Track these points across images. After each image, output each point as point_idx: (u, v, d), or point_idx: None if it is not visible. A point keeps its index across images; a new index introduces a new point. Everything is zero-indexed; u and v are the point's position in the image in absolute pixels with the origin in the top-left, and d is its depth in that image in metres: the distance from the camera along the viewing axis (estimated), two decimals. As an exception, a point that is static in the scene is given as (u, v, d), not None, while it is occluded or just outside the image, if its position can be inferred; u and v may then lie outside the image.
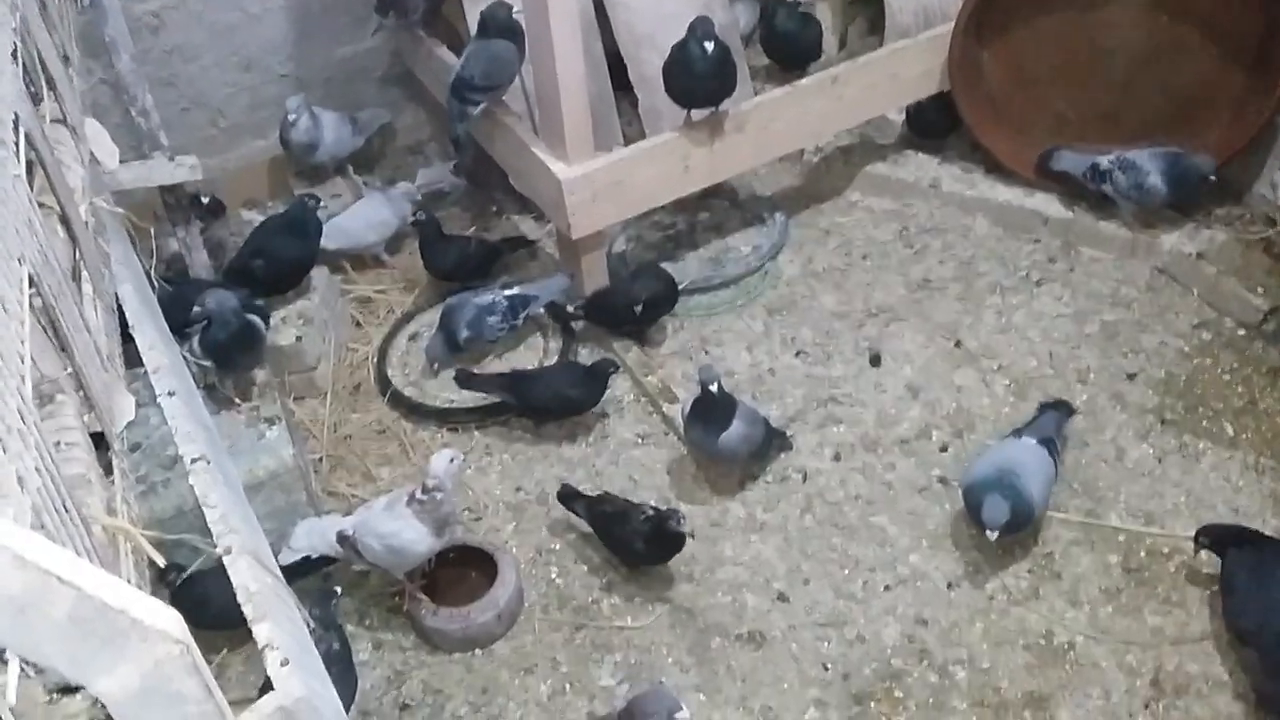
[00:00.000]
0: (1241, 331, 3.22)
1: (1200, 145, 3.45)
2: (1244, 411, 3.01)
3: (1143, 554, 2.72)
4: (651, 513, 2.70)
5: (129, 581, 1.39)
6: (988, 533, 2.56)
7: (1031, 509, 2.60)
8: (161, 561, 1.41)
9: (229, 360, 2.90)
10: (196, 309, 2.81)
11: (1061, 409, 2.88)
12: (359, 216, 3.70)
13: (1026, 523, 2.63)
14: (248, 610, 1.49)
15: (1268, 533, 2.68)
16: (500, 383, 3.21)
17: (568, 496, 2.90)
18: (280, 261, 3.30)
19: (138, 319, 2.15)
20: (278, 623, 1.48)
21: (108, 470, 1.56)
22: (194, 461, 1.77)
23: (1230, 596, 2.49)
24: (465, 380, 3.23)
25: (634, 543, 2.71)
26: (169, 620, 0.84)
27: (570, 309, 3.40)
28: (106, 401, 1.63)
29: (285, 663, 1.36)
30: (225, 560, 1.58)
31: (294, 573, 2.66)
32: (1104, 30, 3.55)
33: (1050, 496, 2.73)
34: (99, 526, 1.36)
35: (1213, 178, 3.28)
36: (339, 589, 2.58)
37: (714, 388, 2.79)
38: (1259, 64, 3.36)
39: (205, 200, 3.37)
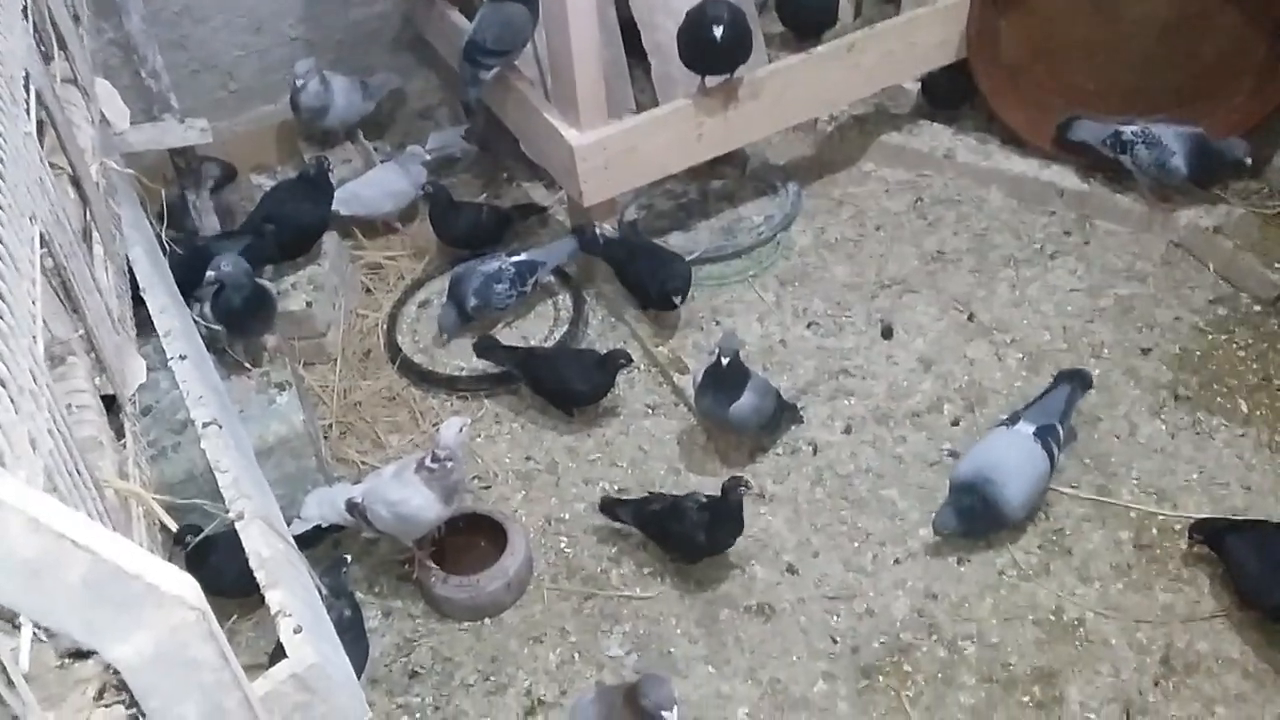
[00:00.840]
0: (1258, 308, 3.19)
1: (1221, 118, 3.41)
2: (1258, 389, 2.99)
3: (1154, 531, 2.71)
4: (705, 499, 2.65)
5: (141, 546, 1.38)
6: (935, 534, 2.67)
7: (1005, 515, 2.60)
8: (174, 526, 1.41)
9: (241, 326, 2.89)
10: (210, 273, 2.78)
11: (1077, 381, 2.84)
12: (375, 184, 3.68)
13: (999, 526, 2.65)
14: (260, 576, 1.48)
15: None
16: (515, 357, 3.19)
17: (609, 505, 2.80)
18: (293, 226, 3.27)
19: (149, 282, 2.14)
20: (291, 589, 1.47)
21: (119, 434, 1.55)
22: (206, 426, 1.76)
23: (1246, 580, 2.48)
24: (483, 349, 3.21)
25: (695, 536, 2.63)
26: (185, 586, 0.83)
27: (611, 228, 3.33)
28: (118, 364, 1.62)
29: (299, 629, 1.36)
30: (238, 526, 1.57)
31: (304, 541, 2.67)
32: (1124, 1, 3.50)
33: (1045, 489, 2.71)
34: (111, 490, 1.36)
35: (1248, 160, 3.22)
36: (349, 557, 2.57)
37: (726, 360, 2.77)
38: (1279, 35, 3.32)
39: (216, 165, 3.33)
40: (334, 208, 3.44)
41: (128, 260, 2.11)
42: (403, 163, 3.71)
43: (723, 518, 2.63)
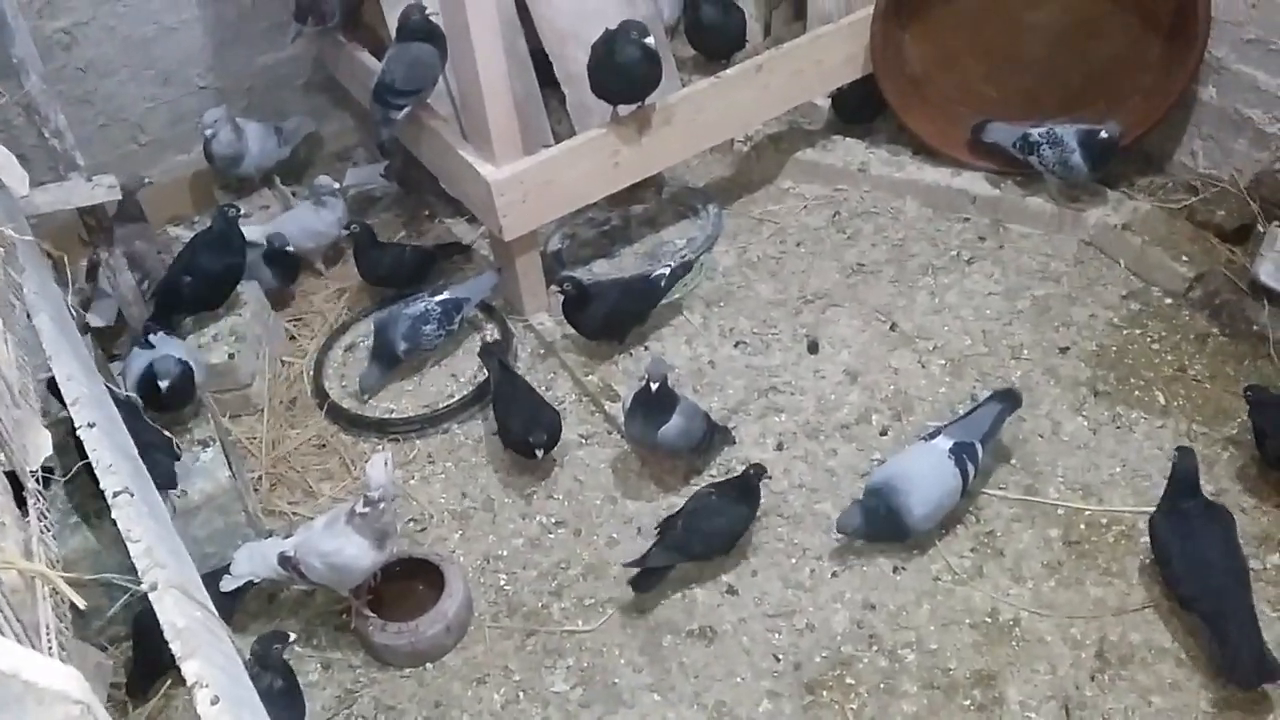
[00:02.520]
0: (1169, 300, 3.27)
1: (1122, 118, 3.50)
2: (1174, 380, 3.06)
3: (1082, 526, 2.76)
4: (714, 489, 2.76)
5: (47, 627, 1.35)
6: (835, 533, 2.74)
7: (905, 524, 2.64)
8: (82, 604, 1.38)
9: (165, 409, 2.87)
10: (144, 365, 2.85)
11: (1008, 401, 2.85)
12: (293, 221, 3.66)
13: (901, 535, 2.68)
14: (176, 647, 1.45)
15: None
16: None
17: (640, 579, 2.70)
18: (209, 277, 3.23)
19: (55, 349, 2.10)
20: (208, 658, 1.44)
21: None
22: (116, 495, 1.72)
23: (1167, 567, 2.53)
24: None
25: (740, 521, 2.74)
26: (68, 680, 0.81)
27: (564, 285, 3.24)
28: (19, 439, 1.58)
29: (215, 700, 1.33)
30: (151, 596, 1.54)
31: (236, 595, 2.64)
32: (1022, 8, 3.59)
33: (953, 505, 2.72)
34: (14, 571, 1.33)
35: (1116, 138, 3.30)
36: (293, 636, 2.46)
37: (655, 385, 2.78)
38: (1174, 34, 3.41)
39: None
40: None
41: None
42: (316, 197, 3.68)
43: (750, 491, 2.75)
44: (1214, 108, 3.42)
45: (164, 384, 2.78)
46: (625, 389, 3.16)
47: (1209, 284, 3.21)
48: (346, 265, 3.71)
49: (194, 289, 3.19)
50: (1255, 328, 3.08)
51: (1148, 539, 2.68)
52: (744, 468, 2.81)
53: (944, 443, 2.72)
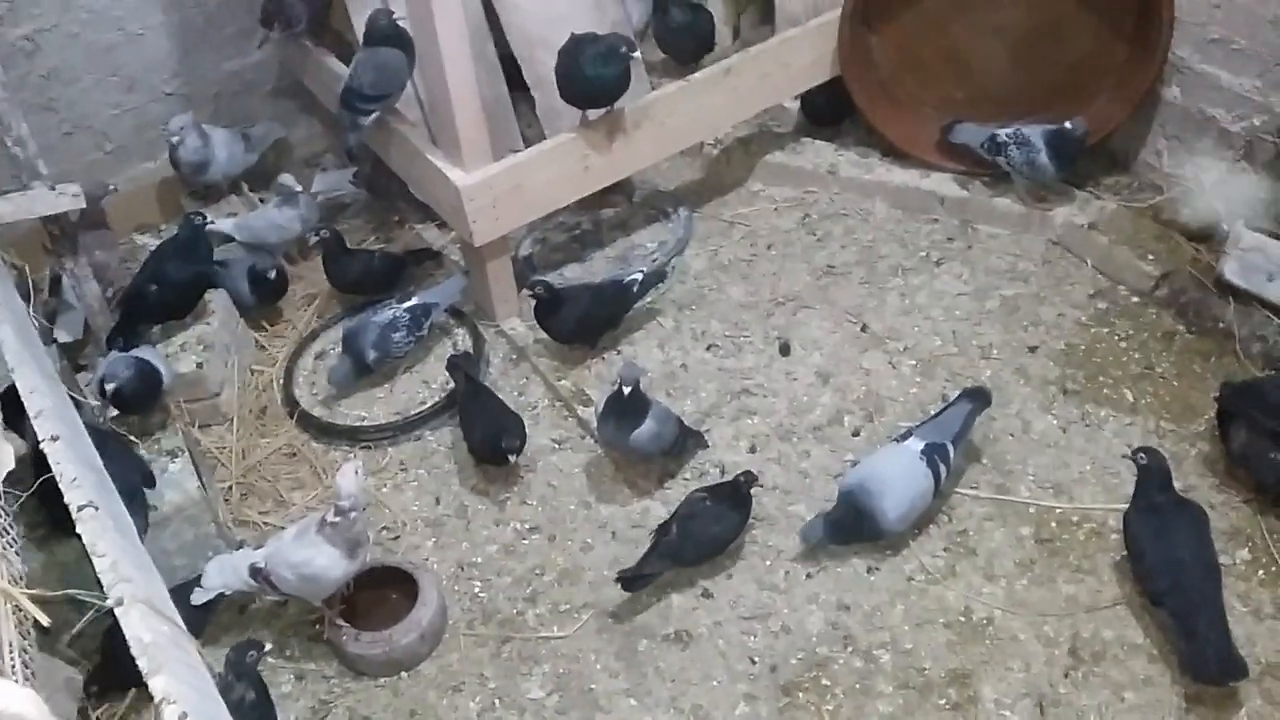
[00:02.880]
0: (1135, 299, 3.30)
1: (1088, 118, 3.52)
2: (1142, 378, 3.09)
3: (1053, 525, 2.78)
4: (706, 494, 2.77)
5: (10, 645, 1.33)
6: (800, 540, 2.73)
7: (879, 526, 2.63)
8: (46, 621, 1.36)
9: (132, 411, 2.85)
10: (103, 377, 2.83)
11: (978, 400, 2.87)
12: (261, 217, 3.65)
13: (875, 536, 2.69)
14: (142, 663, 1.43)
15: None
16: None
17: (632, 580, 2.68)
18: (175, 286, 3.20)
19: (18, 361, 2.07)
20: (175, 674, 1.43)
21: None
22: (81, 509, 1.70)
23: (1139, 563, 2.55)
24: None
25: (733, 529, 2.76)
26: (25, 702, 0.80)
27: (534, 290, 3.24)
28: (-20, 455, 1.56)
29: (183, 717, 1.32)
30: (117, 612, 1.52)
31: (207, 608, 2.61)
32: (987, 10, 3.61)
33: (926, 506, 2.74)
34: (-24, 590, 1.31)
35: (1082, 134, 3.33)
36: (268, 645, 2.45)
37: (628, 389, 2.77)
38: (1138, 34, 3.44)
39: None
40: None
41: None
42: (281, 197, 3.66)
43: (741, 496, 2.77)
44: (1178, 107, 3.45)
45: (109, 387, 2.78)
46: (598, 393, 3.16)
47: (1175, 282, 3.24)
48: (317, 271, 3.69)
49: (160, 297, 3.15)
50: (1221, 325, 3.11)
51: (1118, 536, 2.71)
52: (736, 475, 2.80)
53: (915, 444, 2.73)
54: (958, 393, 2.94)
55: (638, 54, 3.10)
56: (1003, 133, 3.46)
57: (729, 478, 2.85)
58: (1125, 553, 2.64)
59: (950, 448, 2.75)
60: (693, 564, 2.74)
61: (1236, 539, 2.69)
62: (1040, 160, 3.36)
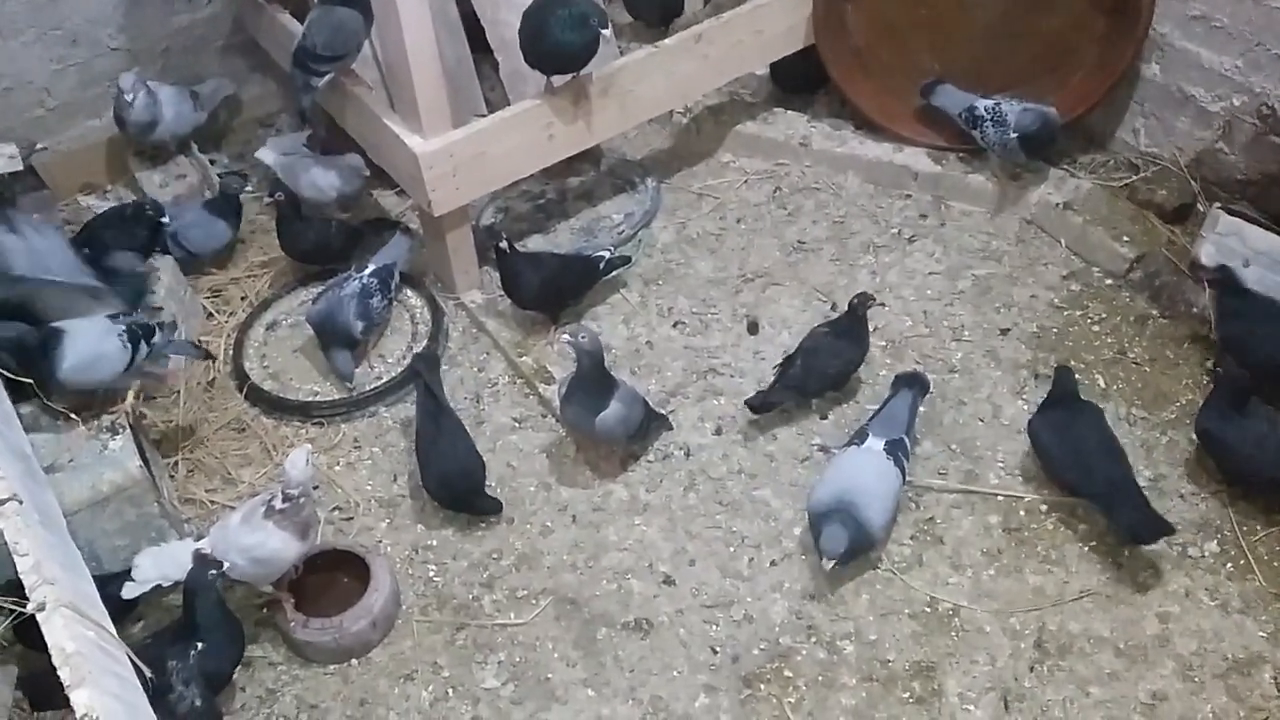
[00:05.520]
0: (1109, 281, 3.25)
1: (1065, 94, 3.46)
2: (1114, 362, 3.04)
3: (1022, 513, 2.73)
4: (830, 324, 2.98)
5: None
6: (824, 562, 2.50)
7: (872, 537, 2.55)
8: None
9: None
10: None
11: (917, 386, 2.81)
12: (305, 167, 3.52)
13: (867, 549, 2.60)
14: (64, 675, 1.34)
15: (1142, 483, 2.71)
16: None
17: (759, 407, 2.92)
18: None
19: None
20: (99, 685, 1.33)
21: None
22: (3, 503, 1.59)
23: (1049, 460, 2.67)
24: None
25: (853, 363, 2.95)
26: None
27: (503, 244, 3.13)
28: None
29: (104, 738, 1.23)
30: (39, 618, 1.42)
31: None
32: (966, -20, 3.52)
33: (899, 504, 2.69)
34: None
35: (1054, 129, 3.28)
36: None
37: (587, 357, 2.67)
38: (1119, 10, 3.36)
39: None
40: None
41: None
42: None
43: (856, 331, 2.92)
44: (1157, 85, 3.39)
45: None
46: (560, 370, 3.07)
47: (1149, 265, 3.18)
48: (267, 236, 3.56)
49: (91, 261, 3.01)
50: (1195, 310, 3.07)
51: (1086, 525, 2.68)
52: (852, 300, 2.94)
53: (876, 443, 2.65)
54: (893, 382, 2.88)
55: (609, 30, 2.96)
56: (982, 105, 3.37)
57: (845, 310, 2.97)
58: (1093, 543, 2.61)
59: (907, 441, 2.69)
60: (815, 395, 2.95)
61: (1205, 531, 2.66)
62: (1012, 144, 3.28)
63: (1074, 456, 2.63)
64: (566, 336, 2.69)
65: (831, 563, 2.49)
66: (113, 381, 2.71)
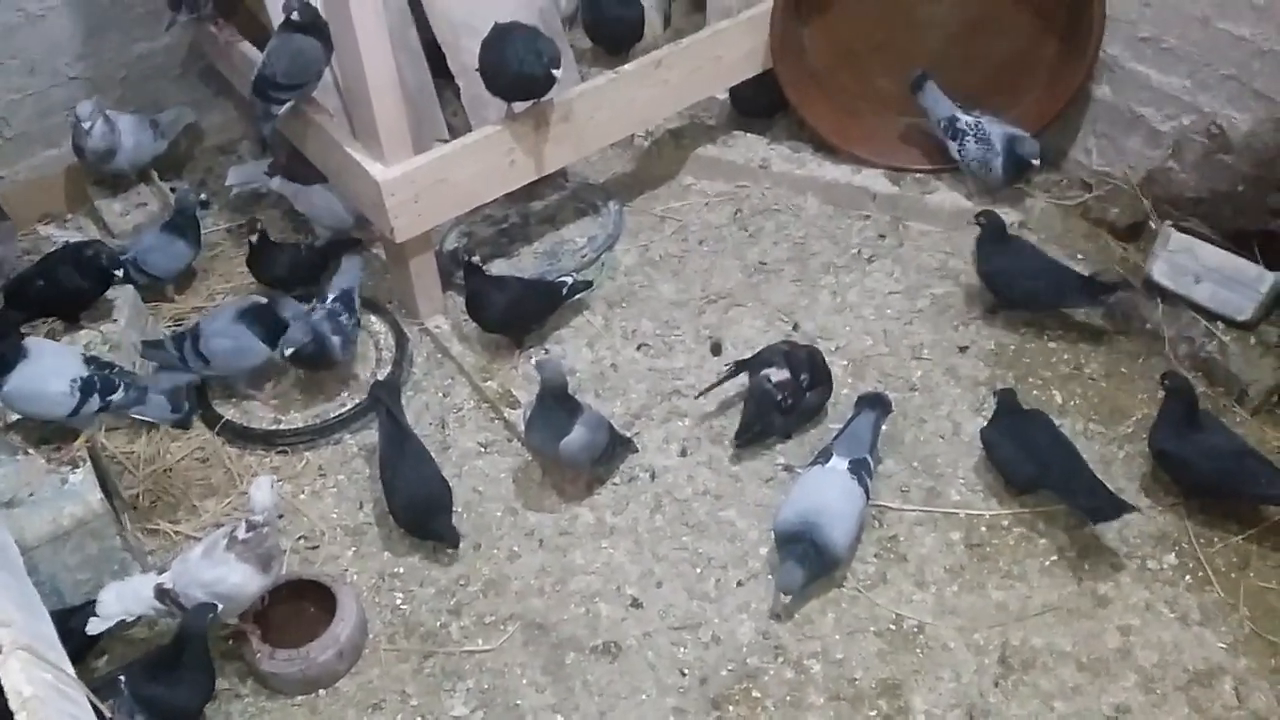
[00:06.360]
0: (1066, 298, 3.30)
1: (1018, 114, 3.52)
2: (1071, 378, 3.08)
3: (984, 529, 2.76)
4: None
5: None
6: (781, 596, 2.58)
7: (835, 558, 2.57)
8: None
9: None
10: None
11: (879, 407, 2.85)
12: (321, 195, 3.51)
13: (831, 569, 2.62)
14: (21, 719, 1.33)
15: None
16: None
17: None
18: (64, 291, 3.06)
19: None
20: (59, 730, 1.32)
21: None
22: (-41, 543, 1.58)
23: (1005, 461, 2.77)
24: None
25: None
26: None
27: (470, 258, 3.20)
28: None
29: (63, 783, 1.22)
30: (-5, 660, 1.41)
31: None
32: (920, 3, 3.57)
33: (863, 524, 2.71)
34: None
35: (1035, 161, 3.34)
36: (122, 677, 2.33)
37: (551, 387, 2.68)
38: (1070, 32, 3.43)
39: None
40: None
41: None
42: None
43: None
44: (1108, 105, 3.45)
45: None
46: (525, 395, 3.07)
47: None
48: (232, 264, 3.55)
49: (44, 294, 3.02)
50: (1149, 326, 3.12)
51: (1047, 540, 2.72)
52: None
53: (840, 463, 2.68)
54: (856, 402, 2.91)
55: (559, 71, 2.98)
56: (965, 119, 3.39)
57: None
58: (1055, 557, 2.65)
59: (870, 460, 2.71)
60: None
61: (1163, 543, 2.70)
62: (995, 165, 3.32)
63: (1028, 453, 2.72)
64: (534, 361, 2.71)
65: (788, 597, 2.54)
66: (62, 421, 2.68)
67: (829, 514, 2.56)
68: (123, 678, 2.31)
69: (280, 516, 2.85)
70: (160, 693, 2.30)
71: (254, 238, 3.39)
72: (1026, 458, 2.72)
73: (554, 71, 2.96)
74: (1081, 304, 3.16)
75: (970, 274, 3.35)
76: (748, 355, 3.18)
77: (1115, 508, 2.61)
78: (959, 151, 3.41)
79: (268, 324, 3.03)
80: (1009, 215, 3.44)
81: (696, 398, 3.04)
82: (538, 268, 3.52)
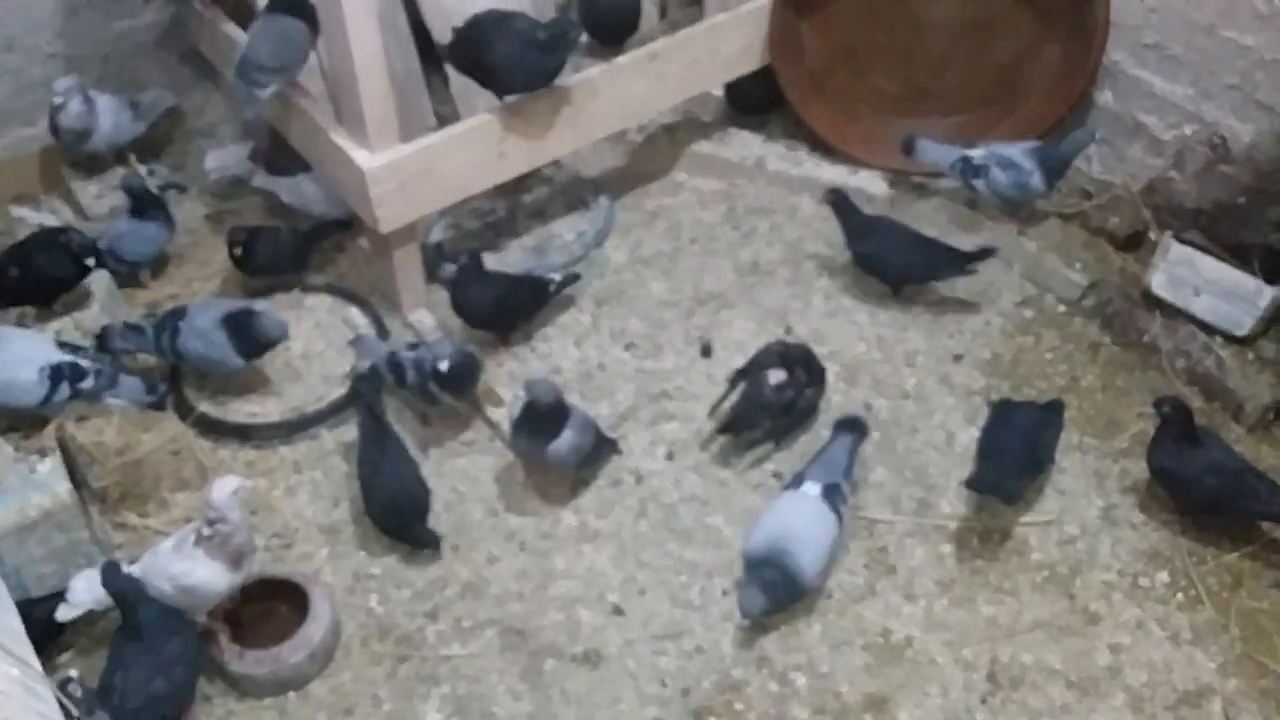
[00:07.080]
0: (1062, 308, 3.24)
1: (1020, 118, 3.46)
2: (1066, 390, 3.03)
3: (975, 541, 2.71)
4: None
5: None
6: (741, 619, 2.52)
7: (803, 586, 2.49)
8: None
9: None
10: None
11: (856, 431, 2.77)
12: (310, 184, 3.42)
13: (798, 598, 2.53)
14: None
15: (1093, 512, 2.74)
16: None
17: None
18: (40, 277, 3.01)
19: None
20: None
21: None
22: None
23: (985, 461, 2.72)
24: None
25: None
26: None
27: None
28: None
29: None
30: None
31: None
32: (921, 4, 3.51)
33: (836, 551, 2.62)
34: None
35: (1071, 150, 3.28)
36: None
37: (544, 404, 2.63)
38: (1073, 35, 3.37)
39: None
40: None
41: None
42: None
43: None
44: (1110, 112, 3.40)
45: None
46: (509, 392, 3.00)
47: (1102, 293, 3.18)
48: (214, 252, 3.46)
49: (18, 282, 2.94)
50: (1146, 339, 3.07)
51: (1040, 555, 2.67)
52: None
53: (813, 488, 2.59)
54: (834, 426, 2.82)
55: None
56: (975, 154, 3.27)
57: None
58: (1046, 573, 2.60)
59: (844, 486, 2.63)
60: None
61: (1156, 561, 2.65)
62: (1033, 182, 3.21)
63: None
64: (525, 382, 2.71)
65: (748, 620, 2.49)
66: (33, 410, 2.62)
67: (798, 541, 2.48)
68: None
69: (253, 513, 2.77)
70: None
71: (238, 250, 3.30)
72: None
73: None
74: (952, 275, 3.19)
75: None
76: (739, 359, 3.11)
77: (990, 488, 2.64)
78: (987, 186, 3.25)
79: (246, 332, 2.93)
80: (1006, 222, 3.38)
81: (709, 416, 2.96)
82: (525, 262, 3.44)
